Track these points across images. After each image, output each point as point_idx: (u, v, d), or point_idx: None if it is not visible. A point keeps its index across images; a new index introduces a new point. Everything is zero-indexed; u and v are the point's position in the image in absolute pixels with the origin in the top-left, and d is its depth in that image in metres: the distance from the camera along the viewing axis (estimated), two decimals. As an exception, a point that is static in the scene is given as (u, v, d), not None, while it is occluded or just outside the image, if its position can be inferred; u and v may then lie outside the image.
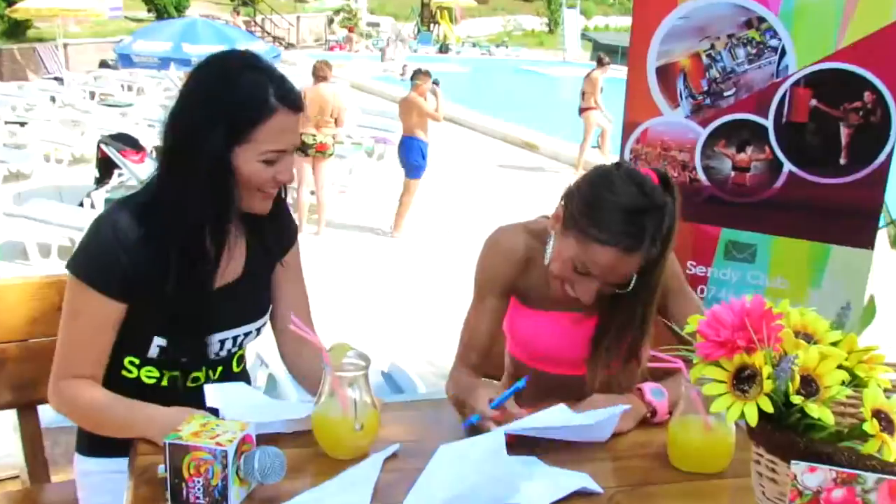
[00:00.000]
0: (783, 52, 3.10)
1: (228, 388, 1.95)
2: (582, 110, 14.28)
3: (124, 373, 2.01)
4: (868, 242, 3.09)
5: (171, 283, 1.87)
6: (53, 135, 11.68)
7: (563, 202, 2.09)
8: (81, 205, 8.61)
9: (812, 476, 1.17)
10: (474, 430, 1.92)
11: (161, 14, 31.00)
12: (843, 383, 1.23)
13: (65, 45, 20.36)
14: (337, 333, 2.02)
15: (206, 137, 1.84)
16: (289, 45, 34.52)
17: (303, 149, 8.48)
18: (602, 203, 1.97)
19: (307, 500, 1.65)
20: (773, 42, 3.11)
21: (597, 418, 1.91)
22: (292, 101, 1.88)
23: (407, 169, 9.21)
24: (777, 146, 3.16)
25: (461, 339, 2.31)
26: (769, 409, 1.22)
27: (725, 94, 3.21)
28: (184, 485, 1.60)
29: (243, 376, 2.18)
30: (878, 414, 1.22)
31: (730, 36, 3.16)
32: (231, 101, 1.85)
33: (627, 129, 3.37)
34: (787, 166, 3.16)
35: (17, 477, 3.48)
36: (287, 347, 2.20)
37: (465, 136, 15.93)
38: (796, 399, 1.21)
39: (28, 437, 2.45)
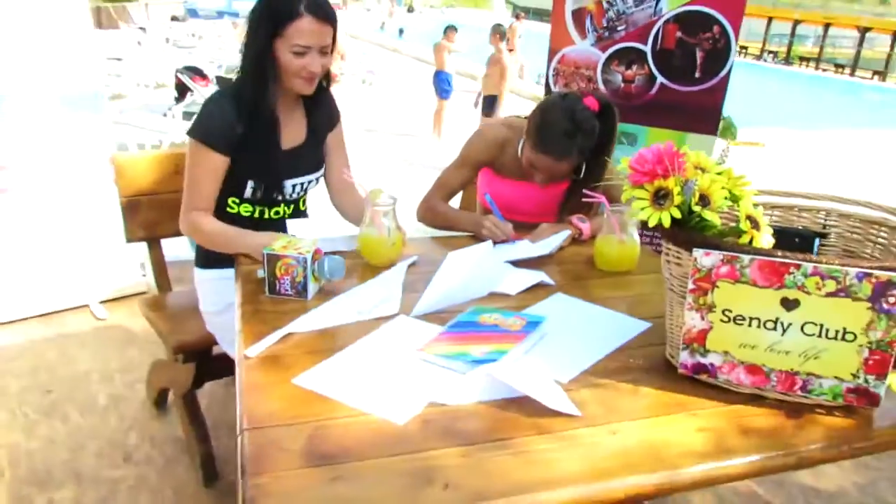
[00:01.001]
0: None
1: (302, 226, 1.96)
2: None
3: (228, 209, 2.00)
4: (713, 131, 3.14)
5: (253, 142, 1.88)
6: (142, 68, 11.32)
7: (527, 118, 2.11)
8: (164, 115, 8.48)
9: (707, 259, 1.20)
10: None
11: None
12: (725, 199, 1.25)
13: (146, 4, 19.48)
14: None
15: (257, 34, 1.83)
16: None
17: None
18: (544, 125, 2.02)
19: (357, 292, 1.66)
20: None
21: (550, 246, 1.94)
22: (317, 10, 1.81)
23: (440, 92, 9.12)
24: (653, 65, 3.17)
25: (437, 181, 2.32)
26: (678, 215, 1.23)
27: (618, 28, 3.19)
28: (277, 281, 1.60)
29: (306, 213, 2.15)
30: (749, 217, 1.24)
31: None
32: (270, 6, 1.82)
33: (551, 55, 3.35)
34: (660, 79, 3.17)
35: (145, 293, 3.51)
36: (336, 195, 2.19)
37: (429, 69, 15.68)
38: (696, 208, 1.23)
39: (155, 260, 2.43)
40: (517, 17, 14.41)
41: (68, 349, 3.10)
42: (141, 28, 15.71)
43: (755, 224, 1.23)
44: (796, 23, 27.19)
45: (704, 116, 3.14)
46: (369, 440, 1.12)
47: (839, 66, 24.78)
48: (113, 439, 2.49)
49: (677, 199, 1.23)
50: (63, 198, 3.30)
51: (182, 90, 8.74)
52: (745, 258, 1.17)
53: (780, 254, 1.15)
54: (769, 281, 1.17)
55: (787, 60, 26.10)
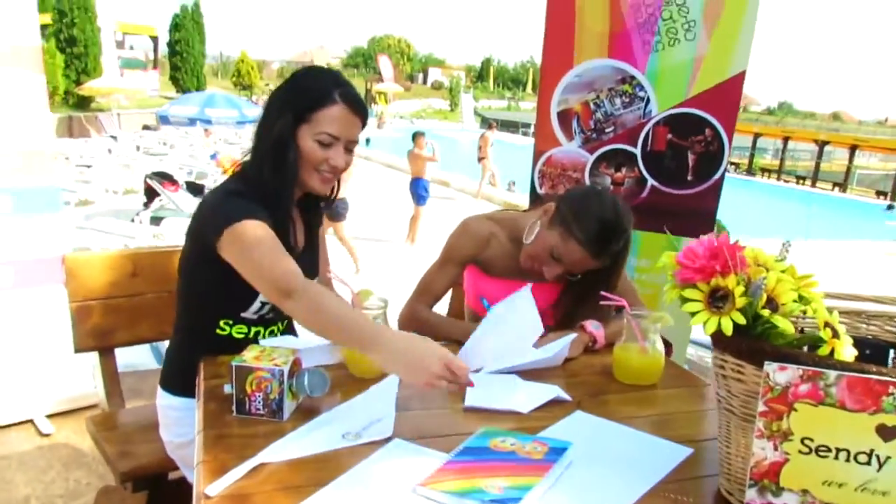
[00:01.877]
0: (648, 101, 2.99)
1: (278, 340, 1.68)
2: (479, 158, 14.37)
3: (218, 331, 1.69)
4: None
5: None
6: (111, 174, 11.29)
7: (555, 203, 1.90)
8: (132, 221, 8.31)
9: (782, 374, 0.98)
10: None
11: (186, 93, 30.31)
12: (794, 302, 1.04)
13: (118, 114, 19.65)
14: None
15: (279, 115, 1.59)
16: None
17: None
18: (588, 212, 1.79)
19: (342, 411, 1.40)
20: (641, 93, 3.00)
21: (555, 350, 1.71)
22: (352, 101, 1.61)
23: (416, 199, 9.07)
24: (643, 167, 3.05)
25: (420, 285, 2.07)
26: (742, 321, 1.02)
27: (606, 130, 3.08)
28: (247, 399, 1.34)
29: (294, 330, 1.87)
30: (827, 324, 1.03)
31: (610, 89, 3.03)
32: (299, 87, 1.61)
33: (536, 156, 3.18)
34: (651, 182, 3.04)
35: (96, 406, 3.18)
36: None
37: (401, 177, 16.02)
38: (764, 312, 1.02)
39: (107, 373, 2.14)
40: (490, 126, 14.78)
41: (6, 472, 2.73)
42: (112, 136, 15.75)
43: (835, 332, 1.02)
44: (756, 136, 28.28)
45: (698, 220, 2.98)
46: None
47: (800, 178, 25.60)
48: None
49: (740, 302, 1.02)
50: (8, 302, 3.01)
51: (151, 195, 8.65)
52: (831, 374, 0.95)
53: (875, 369, 0.93)
54: (862, 403, 0.94)
55: (750, 171, 26.95)
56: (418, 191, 9.08)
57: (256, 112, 17.33)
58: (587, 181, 3.11)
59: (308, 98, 1.58)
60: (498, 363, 1.64)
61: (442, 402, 1.50)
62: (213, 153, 12.76)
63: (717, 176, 2.99)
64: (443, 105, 49.34)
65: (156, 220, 8.15)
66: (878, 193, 22.77)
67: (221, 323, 1.68)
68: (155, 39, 39.19)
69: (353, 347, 1.48)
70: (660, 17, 2.92)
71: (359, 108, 1.62)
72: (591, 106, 3.08)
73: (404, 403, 1.45)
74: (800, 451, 0.99)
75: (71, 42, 27.32)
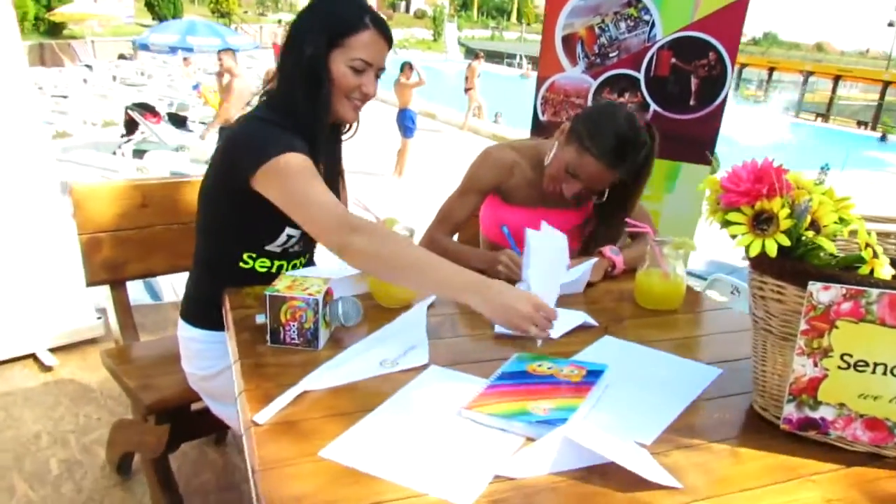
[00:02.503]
0: (653, 24, 2.98)
1: (304, 271, 1.66)
2: (466, 90, 14.19)
3: (241, 265, 1.68)
4: (707, 161, 2.98)
5: None
6: (88, 105, 11.00)
7: (570, 121, 1.90)
8: (114, 154, 8.14)
9: (825, 293, 1.00)
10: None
11: (162, 20, 29.42)
12: (835, 224, 1.06)
13: (92, 41, 19.04)
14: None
15: (309, 42, 1.54)
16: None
17: None
18: (603, 126, 1.79)
19: (376, 339, 1.42)
20: (646, 17, 2.98)
21: (577, 274, 1.73)
22: (382, 28, 1.58)
23: (404, 131, 8.99)
24: (647, 92, 3.05)
25: (440, 213, 2.07)
26: (787, 243, 1.04)
27: (611, 55, 3.07)
28: (281, 329, 1.35)
29: (314, 261, 1.87)
30: (867, 245, 1.05)
31: (615, 13, 3.01)
32: (332, 12, 1.56)
33: (539, 82, 3.18)
34: (653, 107, 3.05)
35: (96, 340, 3.19)
36: None
37: (388, 109, 15.78)
38: (808, 234, 1.04)
39: (120, 306, 2.15)
40: (476, 56, 14.51)
41: (12, 408, 2.75)
42: (87, 66, 15.32)
43: (874, 253, 1.04)
44: (742, 66, 28.07)
45: (699, 145, 3.01)
46: (432, 531, 0.89)
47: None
48: (69, 513, 2.16)
49: (784, 224, 1.03)
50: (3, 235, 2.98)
51: (131, 127, 8.49)
52: (874, 292, 0.98)
53: (918, 286, 0.96)
54: (903, 319, 0.98)
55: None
56: (405, 122, 8.99)
57: (241, 40, 16.87)
58: None
59: (340, 23, 1.55)
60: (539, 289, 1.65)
61: (471, 329, 1.52)
62: (196, 83, 12.42)
63: (719, 100, 2.99)
64: (426, 35, 48.21)
65: (138, 154, 8.00)
66: (860, 123, 22.84)
67: (245, 256, 1.67)
68: (130, -37, 37.98)
69: (433, 291, 1.47)
70: (668, -62, 2.89)
71: (387, 33, 1.59)
72: (596, 30, 3.07)
73: (435, 331, 1.47)
74: (839, 367, 1.03)
75: (41, -35, 26.40)
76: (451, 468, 1.00)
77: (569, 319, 1.52)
